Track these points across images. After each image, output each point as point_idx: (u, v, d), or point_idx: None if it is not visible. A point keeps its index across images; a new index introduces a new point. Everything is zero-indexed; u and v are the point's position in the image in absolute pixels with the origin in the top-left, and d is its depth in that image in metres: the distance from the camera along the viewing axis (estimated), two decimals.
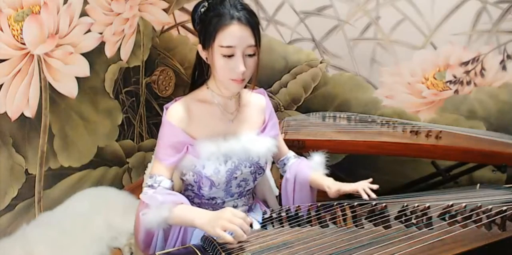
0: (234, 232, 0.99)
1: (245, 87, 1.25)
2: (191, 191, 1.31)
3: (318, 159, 1.40)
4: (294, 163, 1.41)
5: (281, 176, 1.80)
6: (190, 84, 1.30)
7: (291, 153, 1.46)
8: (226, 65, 1.14)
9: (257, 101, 1.36)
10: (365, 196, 1.22)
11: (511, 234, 1.08)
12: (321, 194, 1.38)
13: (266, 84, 2.39)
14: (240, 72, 1.13)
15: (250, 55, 1.15)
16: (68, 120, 2.02)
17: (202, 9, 1.17)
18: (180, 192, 1.36)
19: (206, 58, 1.20)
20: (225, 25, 1.11)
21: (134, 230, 1.27)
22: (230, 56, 1.13)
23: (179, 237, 1.22)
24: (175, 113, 1.21)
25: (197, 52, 1.23)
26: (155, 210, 1.11)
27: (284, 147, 1.46)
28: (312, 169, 1.37)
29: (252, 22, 1.14)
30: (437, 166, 2.10)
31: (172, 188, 1.21)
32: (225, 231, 0.99)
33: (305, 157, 1.44)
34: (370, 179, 1.29)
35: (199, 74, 1.28)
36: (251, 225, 1.06)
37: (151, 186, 1.18)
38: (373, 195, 1.23)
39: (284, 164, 1.43)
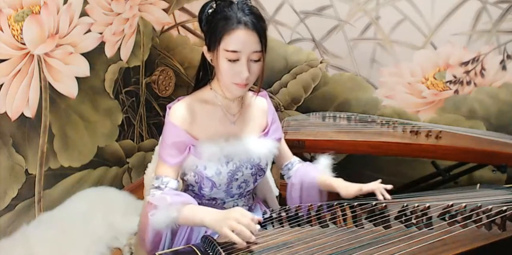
0: (241, 232, 0.98)
1: (249, 89, 1.25)
2: (191, 191, 1.30)
3: (324, 162, 1.39)
4: (300, 168, 1.39)
5: (282, 177, 1.79)
6: (194, 84, 1.30)
7: (296, 158, 1.44)
8: (231, 69, 1.13)
9: (259, 103, 1.35)
10: (380, 197, 1.22)
11: (511, 234, 1.08)
12: (330, 195, 1.38)
13: (266, 84, 2.39)
14: (244, 77, 1.13)
15: (255, 61, 1.14)
16: (68, 120, 2.02)
17: (210, 10, 1.15)
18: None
19: (211, 60, 1.19)
20: (231, 29, 1.10)
21: (139, 232, 1.27)
22: (234, 60, 1.12)
23: (185, 237, 1.22)
24: (177, 113, 1.20)
25: (202, 53, 1.23)
26: (164, 210, 1.11)
27: (288, 152, 1.44)
28: (319, 171, 1.36)
29: (259, 27, 1.13)
30: (437, 166, 2.10)
31: (179, 188, 1.21)
32: (232, 231, 0.99)
33: (307, 158, 1.44)
34: (380, 180, 1.28)
35: (203, 74, 1.27)
36: (260, 223, 1.06)
37: (158, 188, 1.17)
38: (388, 197, 1.23)
39: (289, 169, 1.42)
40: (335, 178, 1.34)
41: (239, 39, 1.10)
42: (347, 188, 1.26)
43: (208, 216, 1.07)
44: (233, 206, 1.31)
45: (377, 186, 1.25)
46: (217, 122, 1.25)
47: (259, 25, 1.13)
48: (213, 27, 1.13)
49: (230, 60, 1.12)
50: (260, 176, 1.31)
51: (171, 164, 1.19)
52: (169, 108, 1.23)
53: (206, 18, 1.16)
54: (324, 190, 1.35)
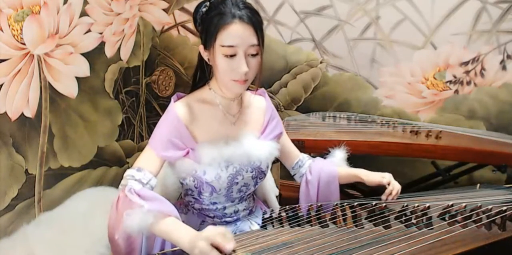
0: None
1: (248, 88, 1.23)
2: (191, 196, 1.27)
3: (340, 155, 1.40)
4: (313, 164, 1.38)
5: (281, 177, 1.78)
6: (191, 86, 1.28)
7: (304, 155, 1.43)
8: (228, 65, 1.11)
9: (258, 103, 1.33)
10: (383, 197, 1.25)
11: (511, 234, 1.08)
12: None
13: (266, 84, 2.39)
14: (243, 72, 1.10)
15: (253, 55, 1.12)
16: (68, 120, 2.02)
17: (204, 9, 1.14)
18: (180, 197, 1.34)
19: (208, 59, 1.17)
20: (226, 24, 1.08)
21: (108, 228, 1.12)
22: (232, 56, 1.10)
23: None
24: (181, 110, 1.18)
25: (199, 53, 1.21)
26: (140, 214, 1.03)
27: (295, 150, 1.42)
28: (336, 164, 1.37)
29: (255, 20, 1.10)
30: (437, 166, 2.10)
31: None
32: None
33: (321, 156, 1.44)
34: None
35: (201, 75, 1.25)
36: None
37: (138, 181, 1.10)
38: (390, 198, 1.26)
39: (300, 166, 1.40)
40: (354, 168, 1.36)
41: (235, 33, 1.08)
42: (368, 175, 1.31)
43: (181, 241, 0.99)
44: (234, 211, 1.28)
45: (392, 186, 1.28)
46: (217, 122, 1.22)
47: (254, 18, 1.11)
48: (208, 25, 1.11)
49: (227, 56, 1.10)
50: (260, 179, 1.29)
51: (160, 156, 1.14)
52: (174, 101, 1.19)
53: (201, 17, 1.15)
54: (344, 182, 1.36)
